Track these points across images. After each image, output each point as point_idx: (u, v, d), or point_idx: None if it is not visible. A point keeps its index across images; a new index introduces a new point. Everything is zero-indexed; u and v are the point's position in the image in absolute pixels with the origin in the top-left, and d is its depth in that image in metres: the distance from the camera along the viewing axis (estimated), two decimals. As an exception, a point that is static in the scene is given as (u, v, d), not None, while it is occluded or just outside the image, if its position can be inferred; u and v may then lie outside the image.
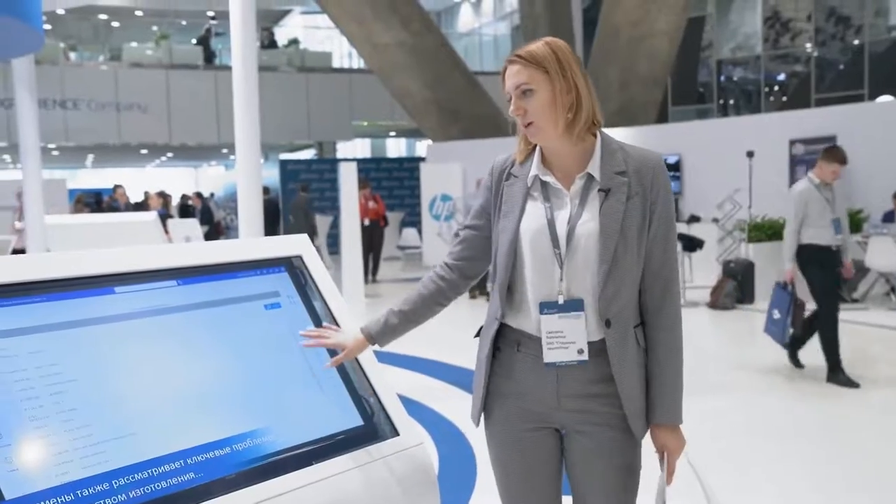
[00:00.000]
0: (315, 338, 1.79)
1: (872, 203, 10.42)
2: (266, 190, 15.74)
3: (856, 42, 17.76)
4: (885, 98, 14.77)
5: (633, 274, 1.74)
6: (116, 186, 13.28)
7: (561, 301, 1.73)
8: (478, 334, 1.90)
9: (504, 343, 1.82)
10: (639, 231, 1.73)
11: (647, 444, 1.81)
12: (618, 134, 13.25)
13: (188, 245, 1.81)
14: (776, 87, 19.05)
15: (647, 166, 1.76)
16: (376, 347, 1.90)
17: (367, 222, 12.28)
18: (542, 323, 1.74)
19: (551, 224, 1.75)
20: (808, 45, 18.16)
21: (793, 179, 11.43)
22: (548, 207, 1.76)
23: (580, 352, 1.72)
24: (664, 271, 1.79)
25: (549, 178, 1.78)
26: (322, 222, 15.48)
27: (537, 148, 1.83)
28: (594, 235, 1.71)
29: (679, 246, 9.68)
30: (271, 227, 14.44)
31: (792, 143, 11.45)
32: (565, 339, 1.73)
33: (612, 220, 1.71)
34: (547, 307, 1.73)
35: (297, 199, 13.70)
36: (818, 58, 18.11)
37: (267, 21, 23.79)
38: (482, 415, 1.85)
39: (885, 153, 10.50)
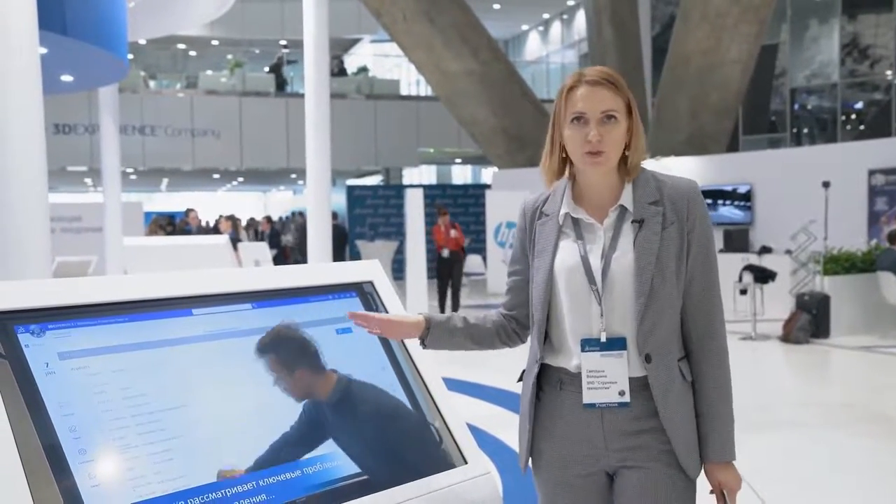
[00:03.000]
0: (364, 318, 1.72)
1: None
2: (334, 215, 15.99)
3: (939, 69, 17.18)
4: (969, 127, 14.20)
5: (672, 306, 1.68)
6: (189, 210, 13.67)
7: (603, 339, 1.67)
8: (520, 378, 1.84)
9: (546, 383, 1.76)
10: (677, 261, 1.68)
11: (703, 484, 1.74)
12: (688, 163, 13.12)
13: (263, 269, 1.85)
14: (853, 116, 18.53)
15: (682, 194, 1.72)
16: (419, 345, 1.82)
17: (446, 253, 11.24)
18: (583, 361, 1.68)
19: (585, 260, 1.70)
20: (889, 73, 17.63)
21: (872, 211, 11.07)
22: (581, 244, 1.72)
23: (621, 393, 1.66)
24: (706, 302, 1.72)
25: (580, 215, 1.74)
26: (387, 248, 15.62)
27: (564, 181, 1.79)
28: (629, 269, 1.66)
29: (751, 277, 9.46)
30: (338, 253, 14.59)
31: (871, 173, 11.10)
32: (606, 379, 1.67)
33: (647, 252, 1.66)
34: (589, 344, 1.68)
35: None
36: (898, 86, 17.54)
37: (337, 49, 24.31)
38: (529, 459, 1.80)
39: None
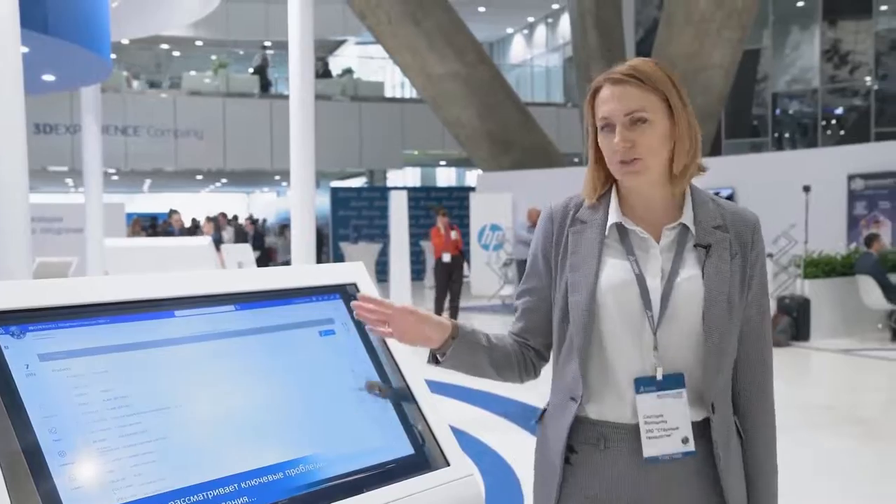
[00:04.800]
0: (371, 311, 1.50)
1: (935, 241, 10.13)
2: None
3: (918, 76, 17.40)
4: (948, 133, 14.40)
5: (734, 350, 1.49)
6: (172, 212, 13.62)
7: (659, 376, 1.43)
8: (540, 419, 1.61)
9: (582, 440, 1.50)
10: (738, 298, 1.48)
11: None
12: (670, 166, 13.17)
13: (246, 271, 1.85)
14: (834, 121, 18.73)
15: (747, 224, 1.52)
16: (429, 360, 1.61)
17: (447, 258, 10.31)
18: (640, 404, 1.43)
19: (641, 279, 1.45)
20: (868, 79, 17.83)
21: (851, 215, 11.20)
22: (633, 260, 1.47)
23: (685, 440, 1.43)
24: (761, 348, 1.53)
25: (633, 227, 1.49)
26: (370, 250, 15.61)
27: (613, 189, 1.54)
28: (697, 299, 1.43)
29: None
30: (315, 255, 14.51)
31: (851, 177, 11.23)
32: (666, 425, 1.43)
33: (719, 282, 1.44)
34: (644, 384, 1.43)
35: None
36: (879, 91, 17.76)
37: (322, 51, 24.27)
38: None
39: (949, 190, 10.22)
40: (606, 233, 1.51)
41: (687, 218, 1.49)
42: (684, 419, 1.43)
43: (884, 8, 17.64)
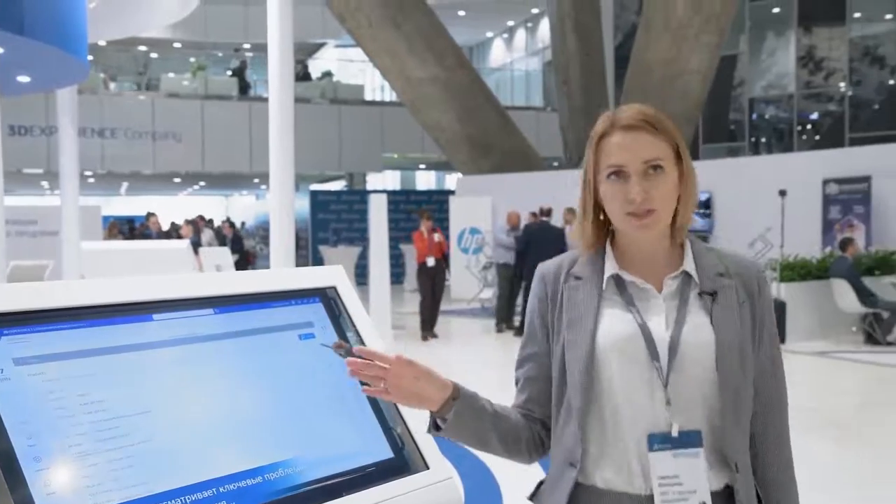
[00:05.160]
0: (367, 367, 1.37)
1: (908, 245, 10.28)
2: None
3: (891, 82, 17.66)
4: (920, 139, 14.61)
5: (750, 403, 1.39)
6: (150, 214, 13.51)
7: (675, 432, 1.31)
8: (534, 495, 1.52)
9: None
10: (751, 348, 1.39)
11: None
12: (648, 170, 13.29)
13: (225, 274, 1.84)
14: (809, 126, 18.96)
15: (751, 272, 1.43)
16: (428, 427, 1.50)
17: (431, 262, 10.12)
18: (653, 464, 1.31)
19: (645, 329, 1.35)
20: (843, 85, 18.07)
21: (826, 219, 11.33)
22: (635, 311, 1.37)
23: None
24: (778, 403, 1.44)
25: (632, 278, 1.41)
26: (349, 253, 15.58)
27: (608, 242, 1.46)
28: (708, 348, 1.33)
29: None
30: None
31: (825, 182, 11.37)
32: (682, 489, 1.30)
33: (729, 330, 1.35)
34: (658, 441, 1.31)
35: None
36: (853, 97, 18.01)
37: (301, 54, 24.21)
38: None
39: (921, 194, 10.38)
40: (604, 286, 1.41)
41: (689, 266, 1.40)
42: (702, 481, 1.30)
43: (857, 15, 17.89)
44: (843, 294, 9.34)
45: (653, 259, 1.42)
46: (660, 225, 1.37)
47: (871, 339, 9.41)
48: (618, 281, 1.41)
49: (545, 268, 1.51)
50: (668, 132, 1.38)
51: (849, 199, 11.09)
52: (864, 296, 9.28)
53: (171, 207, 27.80)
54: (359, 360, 1.39)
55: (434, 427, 1.47)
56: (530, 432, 1.49)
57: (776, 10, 18.57)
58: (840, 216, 11.12)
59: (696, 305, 1.38)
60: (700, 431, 1.32)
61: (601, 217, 1.44)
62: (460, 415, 1.41)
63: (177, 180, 23.99)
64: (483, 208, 14.44)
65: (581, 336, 1.38)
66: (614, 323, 1.38)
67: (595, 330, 1.38)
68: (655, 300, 1.39)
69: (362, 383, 1.41)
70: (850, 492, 4.34)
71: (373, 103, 22.24)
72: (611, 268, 1.42)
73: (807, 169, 11.56)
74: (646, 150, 1.35)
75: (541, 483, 1.50)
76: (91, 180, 21.94)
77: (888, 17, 17.77)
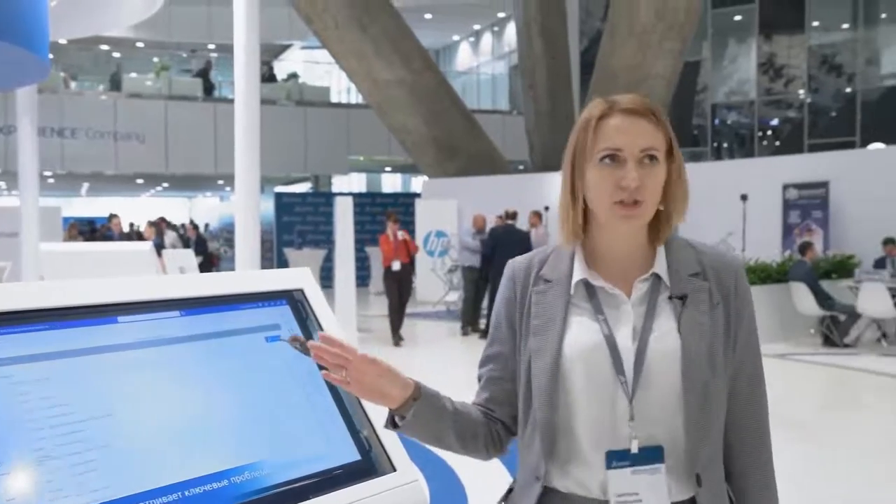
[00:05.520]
0: (329, 354, 1.32)
1: (864, 249, 10.51)
2: None
3: (848, 90, 18.04)
4: (876, 145, 14.97)
5: (722, 411, 1.34)
6: (112, 216, 13.30)
7: (634, 449, 1.28)
8: (505, 498, 1.47)
9: None
10: (724, 353, 1.33)
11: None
12: (613, 174, 13.47)
13: (192, 276, 1.83)
14: (769, 132, 19.31)
15: (729, 269, 1.37)
16: (386, 424, 1.48)
17: (397, 266, 9.98)
18: (611, 481, 1.28)
19: (611, 340, 1.30)
20: (802, 92, 18.43)
21: (786, 223, 11.54)
22: (602, 320, 1.32)
23: None
24: (754, 405, 1.39)
25: (600, 283, 1.35)
26: (315, 256, 15.50)
27: (577, 243, 1.40)
28: (674, 357, 1.28)
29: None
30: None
31: (785, 187, 11.57)
32: None
33: (698, 336, 1.29)
34: (616, 458, 1.28)
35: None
36: (811, 104, 18.37)
37: (267, 55, 24.04)
38: None
39: (876, 200, 10.62)
40: (572, 291, 1.36)
41: (660, 267, 1.35)
42: (662, 499, 1.28)
43: (815, 24, 18.26)
44: (802, 297, 9.52)
45: (625, 259, 1.36)
46: (644, 219, 1.31)
47: (828, 342, 9.60)
48: (587, 286, 1.36)
49: (515, 266, 1.46)
50: (665, 124, 1.34)
51: (808, 204, 11.31)
52: (822, 299, 9.47)
53: (134, 209, 27.41)
54: (321, 345, 1.35)
55: (392, 424, 1.43)
56: (488, 430, 1.46)
57: (738, 17, 18.88)
58: (799, 220, 11.33)
59: (665, 311, 1.32)
60: (661, 448, 1.29)
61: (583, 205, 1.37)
62: (419, 415, 1.38)
63: (139, 181, 23.67)
64: (449, 211, 14.46)
65: (547, 344, 1.34)
66: (581, 333, 1.32)
67: (561, 339, 1.33)
68: (625, 306, 1.33)
69: (320, 367, 1.38)
70: (810, 491, 4.42)
71: (339, 105, 22.16)
72: (579, 271, 1.36)
73: (767, 174, 11.77)
74: (645, 138, 1.30)
75: (510, 489, 1.47)
76: (51, 181, 21.55)
77: (845, 26, 18.16)
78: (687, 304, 1.31)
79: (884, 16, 17.75)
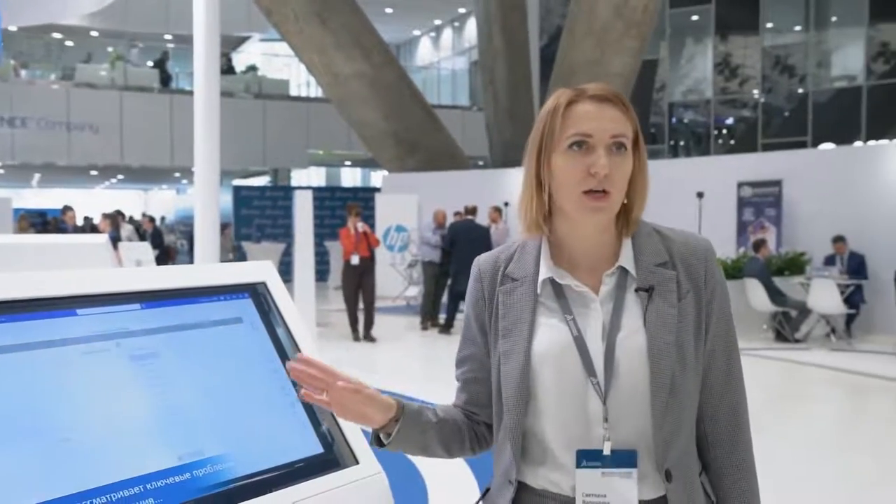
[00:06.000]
0: (310, 377, 1.34)
1: (814, 246, 10.75)
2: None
3: (800, 91, 18.43)
4: (827, 145, 15.33)
5: (693, 403, 1.30)
6: (66, 208, 13.02)
7: (607, 451, 1.25)
8: (482, 498, 1.44)
9: None
10: (696, 342, 1.29)
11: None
12: (572, 171, 13.60)
13: (154, 269, 1.81)
14: (725, 131, 19.64)
15: (697, 254, 1.32)
16: (371, 441, 1.49)
17: (356, 260, 9.72)
18: (579, 481, 1.26)
19: (580, 341, 1.27)
20: (756, 92, 18.78)
21: (740, 221, 11.75)
22: (571, 320, 1.28)
23: None
24: (730, 394, 1.35)
25: (567, 281, 1.31)
26: (274, 250, 15.39)
27: (543, 237, 1.36)
28: (641, 354, 1.25)
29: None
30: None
31: (740, 185, 11.78)
32: None
33: (664, 330, 1.26)
34: (587, 458, 1.26)
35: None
36: (765, 104, 18.73)
37: (226, 47, 23.73)
38: None
39: (827, 199, 10.87)
40: (539, 290, 1.33)
41: (626, 259, 1.30)
42: (631, 502, 1.25)
43: (769, 25, 18.61)
44: (756, 293, 9.72)
45: (593, 253, 1.32)
46: (612, 211, 1.28)
47: (780, 337, 9.82)
48: (553, 284, 1.32)
49: (481, 265, 1.42)
50: (632, 114, 1.30)
51: (761, 202, 11.54)
52: (775, 295, 9.68)
53: (88, 201, 26.87)
54: (299, 366, 1.36)
55: (377, 442, 1.45)
56: (472, 433, 1.46)
57: (695, 17, 19.16)
58: (753, 218, 11.56)
59: (632, 305, 1.28)
60: (635, 452, 1.25)
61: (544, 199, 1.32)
62: (403, 433, 1.38)
63: (94, 173, 23.20)
64: (409, 206, 14.45)
65: (516, 347, 1.31)
66: (550, 334, 1.29)
67: (530, 342, 1.30)
68: (594, 304, 1.29)
69: (294, 384, 1.40)
70: (765, 483, 4.54)
71: (298, 99, 21.98)
72: (545, 269, 1.32)
73: (723, 172, 11.97)
74: (615, 124, 1.26)
75: (487, 489, 1.45)
76: (0, 171, 21.03)
77: (797, 28, 18.54)
78: (653, 296, 1.27)
79: (834, 19, 18.17)
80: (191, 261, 9.62)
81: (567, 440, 1.28)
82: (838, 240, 10.16)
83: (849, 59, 17.98)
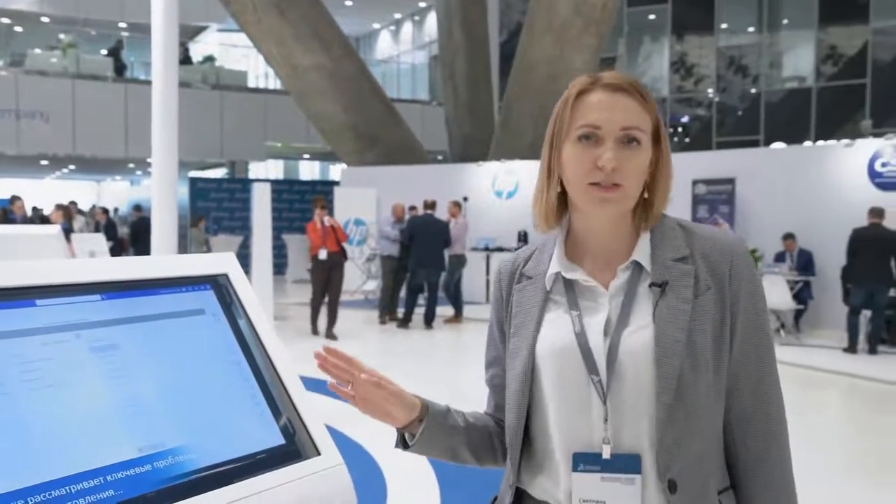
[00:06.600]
0: (337, 367, 1.33)
1: (766, 243, 10.99)
2: (138, 207, 15.43)
3: (753, 90, 18.79)
4: (778, 145, 15.66)
5: (709, 409, 1.18)
6: (15, 198, 12.72)
7: (606, 454, 1.17)
8: None
9: None
10: (715, 346, 1.18)
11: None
12: (531, 167, 13.60)
13: (115, 259, 1.80)
14: (680, 129, 19.94)
15: (722, 249, 1.22)
16: (397, 445, 1.42)
17: (324, 255, 9.50)
18: (574, 486, 1.18)
19: (582, 338, 1.21)
20: (711, 91, 19.09)
21: (694, 218, 11.95)
22: (576, 316, 1.23)
23: None
24: (762, 403, 1.21)
25: (576, 275, 1.25)
26: (231, 243, 15.23)
27: (557, 232, 1.30)
28: (647, 352, 1.17)
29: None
30: (144, 247, 13.98)
31: (695, 182, 11.98)
32: None
33: (674, 327, 1.16)
34: (584, 461, 1.18)
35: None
36: (719, 103, 19.06)
37: (183, 36, 23.35)
38: None
39: (778, 197, 11.12)
40: (549, 286, 1.27)
41: (641, 253, 1.23)
42: None
43: (724, 26, 18.93)
44: (708, 288, 9.89)
45: (607, 248, 1.25)
46: (624, 205, 1.21)
47: (732, 331, 10.01)
48: (564, 279, 1.26)
49: (501, 265, 1.38)
50: (652, 105, 1.24)
51: (715, 200, 11.75)
52: (727, 290, 9.86)
53: (38, 191, 26.25)
54: (324, 354, 1.36)
55: (402, 444, 1.39)
56: (500, 441, 1.39)
57: (652, 16, 19.40)
58: (707, 215, 11.77)
59: (643, 301, 1.21)
60: (639, 457, 1.16)
61: (561, 190, 1.26)
62: (427, 435, 1.33)
63: (44, 163, 22.68)
64: (368, 200, 14.41)
65: (522, 344, 1.27)
66: (554, 331, 1.24)
67: (535, 339, 1.25)
68: (602, 298, 1.23)
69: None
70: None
71: (256, 90, 21.75)
72: (556, 264, 1.27)
73: (678, 170, 12.03)
74: (627, 116, 1.20)
75: (494, 499, 1.40)
76: (-55, 160, 20.46)
77: (751, 29, 18.90)
78: (666, 291, 1.19)
79: (785, 21, 18.56)
80: (137, 253, 9.47)
81: (568, 442, 1.21)
82: (788, 237, 10.40)
83: (799, 61, 18.39)
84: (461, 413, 1.38)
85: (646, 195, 1.25)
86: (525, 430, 1.28)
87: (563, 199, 1.28)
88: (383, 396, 1.32)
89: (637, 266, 1.23)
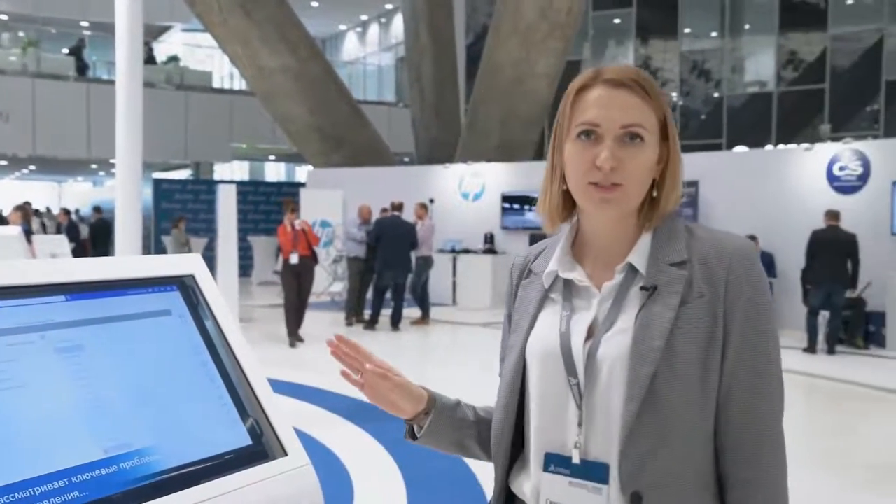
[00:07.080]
0: (347, 355, 1.34)
1: (728, 245, 11.12)
2: (98, 209, 15.23)
3: (716, 94, 19.07)
4: (740, 148, 15.91)
5: (688, 423, 1.12)
6: (-28, 199, 12.47)
7: (576, 459, 1.15)
8: None
9: None
10: (703, 357, 1.12)
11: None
12: (497, 169, 13.66)
13: (79, 260, 1.79)
14: (644, 132, 20.15)
15: (721, 255, 1.15)
16: (406, 435, 1.41)
17: (295, 259, 9.29)
18: (543, 486, 1.18)
19: (565, 339, 1.18)
20: (675, 95, 19.33)
21: (658, 220, 12.10)
22: (565, 316, 1.20)
23: None
24: (754, 424, 1.15)
25: (573, 275, 1.23)
26: (195, 244, 15.10)
27: (567, 229, 1.28)
28: (621, 356, 1.13)
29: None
30: (103, 249, 13.83)
31: (658, 185, 12.09)
32: None
33: (653, 332, 1.12)
34: (555, 462, 1.17)
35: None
36: (683, 107, 19.31)
37: (147, 36, 23.06)
38: None
39: (740, 200, 11.30)
40: (547, 284, 1.26)
41: (638, 255, 1.19)
42: None
43: (687, 30, 19.20)
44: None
45: (610, 248, 1.22)
46: (626, 205, 1.17)
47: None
48: (563, 279, 1.24)
49: (515, 261, 1.37)
50: (658, 100, 1.17)
51: (681, 201, 11.90)
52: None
53: (-4, 192, 25.76)
54: (336, 342, 1.37)
55: (411, 436, 1.39)
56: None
57: (617, 20, 19.61)
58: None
59: (632, 305, 1.17)
60: (607, 465, 1.13)
61: (565, 187, 1.23)
62: (435, 427, 1.33)
63: (3, 163, 22.25)
64: (334, 201, 14.36)
65: (516, 342, 1.26)
66: (544, 330, 1.22)
67: (526, 338, 1.24)
68: (594, 300, 1.21)
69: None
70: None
71: (221, 91, 21.56)
72: (555, 262, 1.25)
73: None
74: (628, 113, 1.15)
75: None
76: None
77: (714, 34, 19.19)
78: (654, 296, 1.14)
79: (747, 27, 18.88)
80: (98, 255, 9.33)
81: (543, 443, 1.20)
82: (750, 239, 10.56)
83: (761, 66, 18.71)
84: (472, 407, 1.38)
85: (654, 194, 1.21)
86: (522, 430, 1.26)
87: (571, 197, 1.24)
88: (388, 387, 1.33)
89: (631, 268, 1.19)
